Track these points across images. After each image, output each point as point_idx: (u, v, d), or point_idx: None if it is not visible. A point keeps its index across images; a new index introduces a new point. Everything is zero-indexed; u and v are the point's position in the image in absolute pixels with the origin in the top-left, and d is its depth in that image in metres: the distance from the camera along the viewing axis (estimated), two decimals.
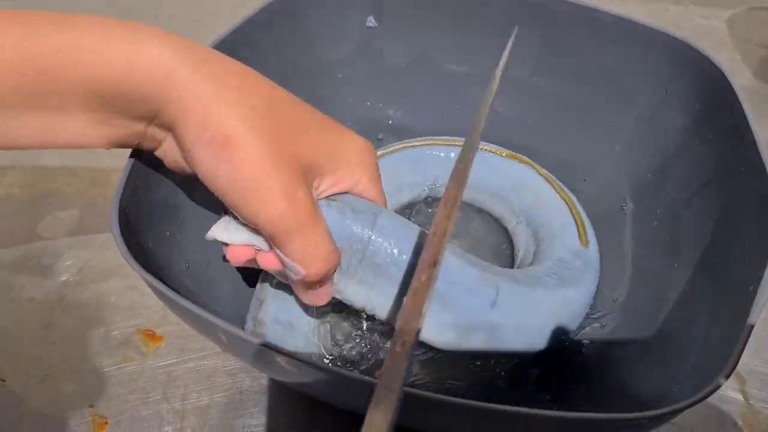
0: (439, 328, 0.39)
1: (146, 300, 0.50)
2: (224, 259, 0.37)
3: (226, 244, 0.36)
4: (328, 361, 0.43)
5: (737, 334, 0.31)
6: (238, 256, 0.36)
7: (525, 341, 0.42)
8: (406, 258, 0.37)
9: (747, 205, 0.37)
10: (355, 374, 0.29)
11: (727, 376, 0.30)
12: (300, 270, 0.34)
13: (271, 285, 0.44)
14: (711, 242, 0.40)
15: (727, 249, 0.38)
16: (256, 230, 0.34)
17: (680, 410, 0.29)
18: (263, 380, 0.45)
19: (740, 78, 0.73)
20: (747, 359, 0.47)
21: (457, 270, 0.39)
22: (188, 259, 0.40)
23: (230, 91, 0.30)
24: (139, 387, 0.45)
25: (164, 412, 0.44)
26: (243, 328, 0.43)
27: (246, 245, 0.35)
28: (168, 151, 0.33)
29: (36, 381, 0.45)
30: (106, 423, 0.43)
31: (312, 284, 0.36)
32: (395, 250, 0.37)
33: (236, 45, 0.42)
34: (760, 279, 0.32)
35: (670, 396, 0.35)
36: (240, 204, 0.31)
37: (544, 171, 0.51)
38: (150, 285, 0.31)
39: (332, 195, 0.37)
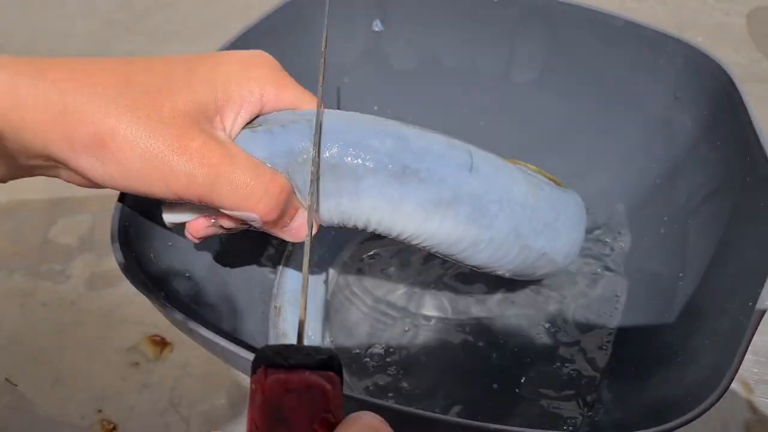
0: (423, 211, 0.35)
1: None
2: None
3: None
4: None
5: (739, 337, 0.31)
6: (197, 230, 0.34)
7: (513, 222, 0.37)
8: (358, 148, 0.33)
9: (753, 213, 0.37)
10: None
11: (730, 381, 0.30)
12: (251, 215, 0.32)
13: (286, 291, 0.45)
14: (718, 250, 0.40)
15: (732, 257, 0.38)
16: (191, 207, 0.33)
17: (688, 421, 0.29)
18: None
19: (761, 74, 0.72)
20: (757, 369, 0.46)
21: (421, 139, 0.35)
22: (191, 268, 0.40)
23: (78, 89, 0.29)
24: (147, 392, 0.46)
25: (171, 418, 0.44)
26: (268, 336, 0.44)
27: (197, 218, 0.34)
28: (69, 176, 0.32)
29: (47, 385, 0.46)
30: (114, 428, 0.44)
31: (278, 221, 0.33)
32: (341, 143, 0.33)
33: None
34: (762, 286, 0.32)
35: (675, 405, 0.35)
36: (150, 189, 0.30)
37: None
38: (150, 299, 0.32)
39: (251, 122, 0.34)
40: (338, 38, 0.49)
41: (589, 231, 0.50)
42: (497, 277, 0.42)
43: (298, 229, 0.34)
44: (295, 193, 0.33)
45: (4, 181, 0.31)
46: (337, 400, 0.22)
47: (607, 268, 0.49)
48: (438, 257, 0.43)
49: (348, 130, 0.33)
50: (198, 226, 0.34)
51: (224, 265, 0.44)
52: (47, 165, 0.31)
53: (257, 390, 0.22)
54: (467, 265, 0.39)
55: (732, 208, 0.39)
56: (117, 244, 0.33)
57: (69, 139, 0.28)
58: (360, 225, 0.35)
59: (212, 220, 0.34)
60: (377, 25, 0.51)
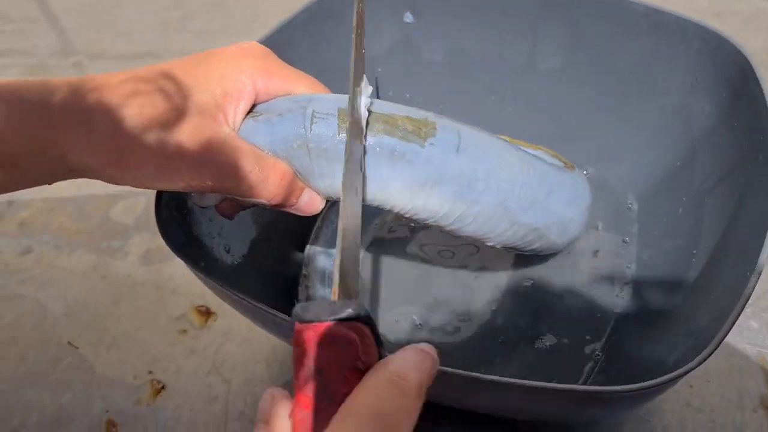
0: (409, 191, 0.37)
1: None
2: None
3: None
4: None
5: (736, 298, 0.32)
6: (224, 210, 0.39)
7: (500, 198, 0.39)
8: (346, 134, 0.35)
9: (764, 189, 0.38)
10: None
11: (724, 335, 0.31)
12: (260, 201, 0.35)
13: (314, 259, 0.48)
14: (729, 224, 0.41)
15: (740, 228, 0.39)
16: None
17: (680, 376, 0.31)
18: None
19: None
20: None
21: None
22: (229, 242, 0.44)
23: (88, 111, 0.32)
24: (193, 356, 0.50)
25: (213, 379, 0.48)
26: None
27: (222, 201, 0.38)
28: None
29: (104, 349, 0.51)
30: (163, 387, 0.48)
31: (285, 202, 0.36)
32: (333, 130, 0.35)
33: (277, 45, 0.45)
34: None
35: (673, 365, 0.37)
36: (169, 186, 0.34)
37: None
38: (193, 271, 0.36)
39: (252, 110, 0.36)
40: (371, 30, 0.52)
41: (607, 211, 0.52)
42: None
43: (307, 206, 0.37)
44: (296, 175, 0.36)
45: (49, 183, 0.36)
46: (368, 348, 0.24)
47: (624, 243, 0.51)
48: None
49: (341, 115, 0.35)
50: (223, 207, 0.38)
51: (260, 238, 0.48)
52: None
53: (294, 344, 0.24)
54: (458, 236, 0.41)
55: (745, 185, 0.41)
56: (162, 222, 0.37)
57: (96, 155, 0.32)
58: (371, 204, 0.37)
59: (233, 201, 0.37)
60: (408, 17, 0.54)
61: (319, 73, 0.38)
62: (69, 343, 0.51)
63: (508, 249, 0.44)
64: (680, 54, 0.47)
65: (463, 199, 0.38)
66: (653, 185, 0.51)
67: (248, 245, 0.46)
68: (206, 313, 0.52)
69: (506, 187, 0.39)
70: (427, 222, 0.39)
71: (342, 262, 0.28)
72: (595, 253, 0.51)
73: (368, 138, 0.35)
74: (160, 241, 0.58)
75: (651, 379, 0.31)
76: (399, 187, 0.36)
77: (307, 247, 0.51)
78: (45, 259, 0.58)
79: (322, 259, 0.49)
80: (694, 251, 0.45)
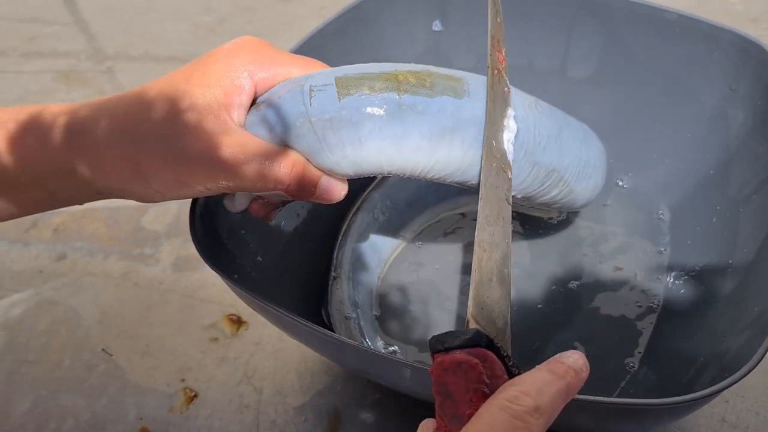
0: (428, 142, 0.36)
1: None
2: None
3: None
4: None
5: None
6: (258, 212, 0.39)
7: (519, 139, 0.38)
8: (351, 98, 0.35)
9: None
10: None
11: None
12: (280, 192, 0.35)
13: (342, 262, 0.48)
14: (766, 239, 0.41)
15: None
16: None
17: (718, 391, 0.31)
18: (331, 364, 0.49)
19: None
20: None
21: (413, 75, 0.36)
22: (260, 252, 0.44)
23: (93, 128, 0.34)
24: (224, 365, 0.50)
25: (245, 388, 0.48)
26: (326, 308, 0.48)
27: (251, 202, 0.38)
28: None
29: (138, 356, 0.51)
30: (196, 395, 0.49)
31: (303, 192, 0.36)
32: (332, 98, 0.35)
33: (308, 53, 0.46)
34: None
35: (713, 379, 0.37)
36: (189, 193, 0.35)
37: None
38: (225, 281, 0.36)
39: (255, 102, 0.36)
40: (401, 38, 0.52)
41: (639, 221, 0.52)
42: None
43: (327, 192, 0.36)
44: (309, 161, 0.36)
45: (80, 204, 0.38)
46: (493, 371, 0.26)
47: (659, 253, 0.51)
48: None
49: (334, 87, 0.35)
50: (255, 210, 0.38)
51: (290, 247, 0.48)
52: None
53: (432, 374, 0.26)
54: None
55: None
56: (194, 232, 0.38)
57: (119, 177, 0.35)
58: (373, 170, 0.36)
59: (263, 201, 0.38)
60: (437, 26, 0.54)
61: None
62: (103, 350, 0.52)
63: (529, 202, 0.43)
64: (715, 61, 0.47)
65: (477, 144, 0.37)
66: (686, 194, 0.51)
67: (279, 255, 0.47)
68: (237, 321, 0.53)
69: (521, 126, 0.38)
70: (451, 180, 0.38)
71: (478, 291, 0.30)
72: (630, 263, 0.51)
73: (372, 98, 0.35)
74: (191, 249, 0.58)
75: (685, 393, 0.31)
76: (416, 141, 0.35)
77: (336, 251, 0.51)
78: (78, 266, 0.59)
79: (350, 261, 0.50)
80: (730, 261, 0.44)
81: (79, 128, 0.34)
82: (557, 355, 0.28)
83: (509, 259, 0.32)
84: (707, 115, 0.48)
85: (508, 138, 0.37)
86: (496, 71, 0.39)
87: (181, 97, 0.34)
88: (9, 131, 0.35)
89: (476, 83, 0.38)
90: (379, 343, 0.47)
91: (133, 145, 0.33)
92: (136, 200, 0.36)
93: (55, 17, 0.93)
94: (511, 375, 0.26)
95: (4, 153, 0.35)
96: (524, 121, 0.38)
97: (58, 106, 0.35)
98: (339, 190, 0.37)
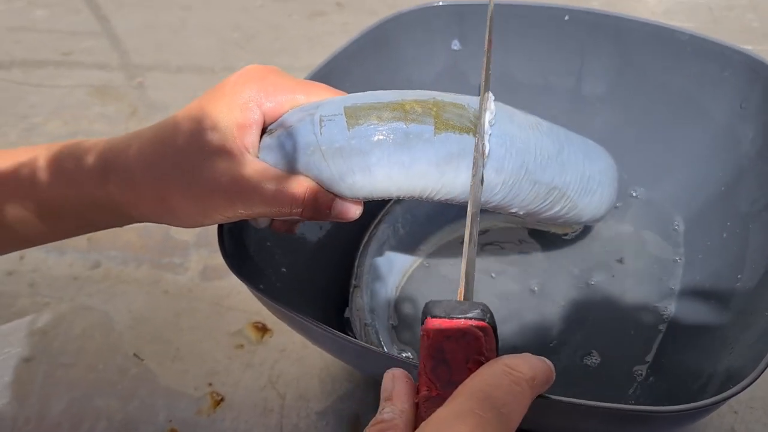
0: (436, 168, 0.37)
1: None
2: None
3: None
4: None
5: None
6: (279, 229, 0.42)
7: (520, 160, 0.39)
8: (359, 127, 0.36)
9: None
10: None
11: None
12: (295, 217, 0.37)
13: (363, 272, 0.50)
14: None
15: None
16: None
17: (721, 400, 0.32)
18: (352, 371, 0.51)
19: None
20: None
21: (419, 105, 0.37)
22: (285, 263, 0.46)
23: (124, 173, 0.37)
24: (250, 370, 0.52)
25: (269, 393, 0.50)
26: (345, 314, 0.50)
27: (273, 220, 0.40)
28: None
29: (167, 361, 0.54)
30: (222, 399, 0.51)
31: (318, 214, 0.37)
32: (342, 128, 0.36)
33: (329, 75, 0.48)
34: None
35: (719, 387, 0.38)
36: (211, 222, 0.38)
37: None
38: (251, 290, 0.38)
39: (267, 129, 0.38)
40: (421, 58, 0.54)
41: (655, 231, 0.53)
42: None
43: (342, 214, 0.38)
44: (322, 186, 0.37)
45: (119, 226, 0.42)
46: (490, 345, 0.27)
47: (670, 266, 0.52)
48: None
49: (348, 113, 0.36)
50: (277, 227, 0.41)
51: (313, 258, 0.50)
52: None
53: (424, 336, 0.27)
54: (485, 209, 0.41)
55: None
56: (223, 245, 0.40)
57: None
58: (383, 195, 0.38)
59: (282, 221, 0.40)
60: (455, 45, 0.55)
61: None
62: (135, 354, 0.54)
63: (532, 218, 0.44)
64: (725, 80, 0.48)
65: (488, 168, 0.38)
66: (698, 208, 0.52)
67: (303, 265, 0.49)
68: (262, 329, 0.55)
69: (523, 148, 0.40)
70: (457, 201, 0.39)
71: (467, 267, 0.31)
72: (644, 272, 0.52)
73: (380, 127, 0.36)
74: (218, 258, 0.61)
75: (694, 401, 0.32)
76: (423, 167, 0.37)
77: (357, 261, 0.53)
78: (112, 273, 0.62)
79: (370, 271, 0.51)
80: (739, 276, 0.45)
81: (111, 167, 0.37)
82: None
83: (477, 239, 0.34)
84: (718, 132, 0.49)
85: (488, 119, 0.38)
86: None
87: (196, 134, 0.36)
88: (51, 167, 0.38)
89: (477, 107, 0.39)
90: (394, 350, 0.49)
91: (160, 183, 0.36)
92: (169, 225, 0.39)
93: (90, 33, 0.97)
94: (497, 348, 0.28)
95: (48, 188, 0.38)
96: (525, 142, 0.40)
97: (91, 141, 0.39)
98: (354, 211, 0.38)
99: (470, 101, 0.39)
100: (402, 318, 0.52)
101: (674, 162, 0.53)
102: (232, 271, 0.40)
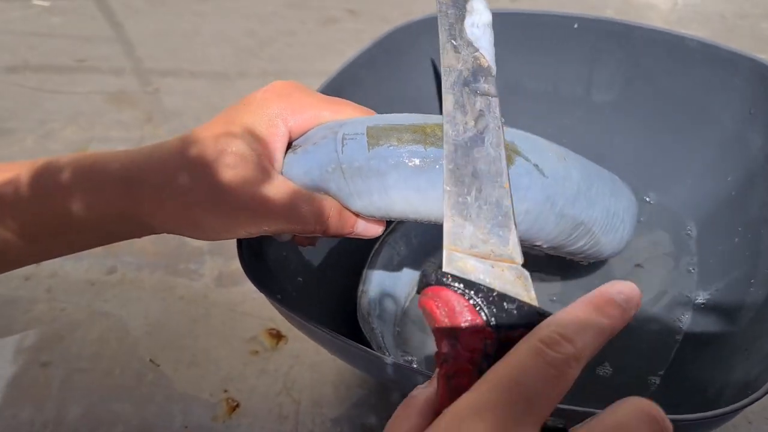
0: (412, 213, 0.37)
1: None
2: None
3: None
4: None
5: None
6: (301, 242, 0.43)
7: (546, 193, 0.38)
8: (379, 149, 0.36)
9: None
10: None
11: None
12: (318, 234, 0.38)
13: (371, 279, 0.50)
14: None
15: None
16: None
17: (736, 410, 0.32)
18: (366, 378, 0.51)
19: None
20: None
21: (439, 129, 0.37)
22: (300, 273, 0.47)
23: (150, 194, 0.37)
24: (264, 377, 0.53)
25: (284, 399, 0.51)
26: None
27: (296, 236, 0.41)
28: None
29: (183, 367, 0.54)
30: (237, 405, 0.51)
31: (341, 232, 0.38)
32: (362, 148, 0.36)
33: (342, 84, 0.48)
34: None
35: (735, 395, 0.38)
36: (233, 237, 0.38)
37: None
38: (270, 300, 0.39)
39: (291, 145, 0.39)
40: (429, 67, 0.55)
41: (667, 237, 0.53)
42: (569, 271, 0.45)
43: (365, 231, 0.39)
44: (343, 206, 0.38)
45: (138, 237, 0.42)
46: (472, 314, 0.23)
47: (684, 272, 0.52)
48: None
49: (369, 133, 0.36)
50: (298, 240, 0.42)
51: (328, 268, 0.51)
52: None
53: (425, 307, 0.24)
54: None
55: None
56: (242, 255, 0.40)
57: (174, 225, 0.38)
58: (399, 217, 0.38)
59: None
60: None
61: (380, 110, 0.40)
62: (151, 360, 0.55)
63: (556, 251, 0.43)
64: (735, 86, 0.48)
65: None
66: (710, 213, 0.52)
67: (317, 274, 0.49)
68: (277, 335, 0.55)
69: (550, 181, 0.39)
70: None
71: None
72: (658, 278, 0.52)
73: (399, 149, 0.36)
74: (232, 265, 0.62)
75: (708, 410, 0.32)
76: (439, 193, 0.35)
77: (367, 266, 0.53)
78: (128, 279, 0.63)
79: (376, 277, 0.52)
80: (752, 281, 0.45)
81: (135, 179, 0.37)
82: (604, 285, 0.24)
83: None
84: (727, 138, 0.50)
85: (470, 23, 0.36)
86: None
87: (223, 150, 0.36)
88: (74, 180, 0.38)
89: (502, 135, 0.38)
90: (399, 355, 0.49)
91: (184, 197, 0.36)
92: (191, 238, 0.39)
93: (105, 40, 0.98)
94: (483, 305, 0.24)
95: (70, 201, 0.38)
96: (553, 174, 0.39)
97: (113, 154, 0.39)
98: (376, 229, 0.39)
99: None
100: (407, 326, 0.52)
101: (685, 168, 0.53)
102: (252, 282, 0.40)
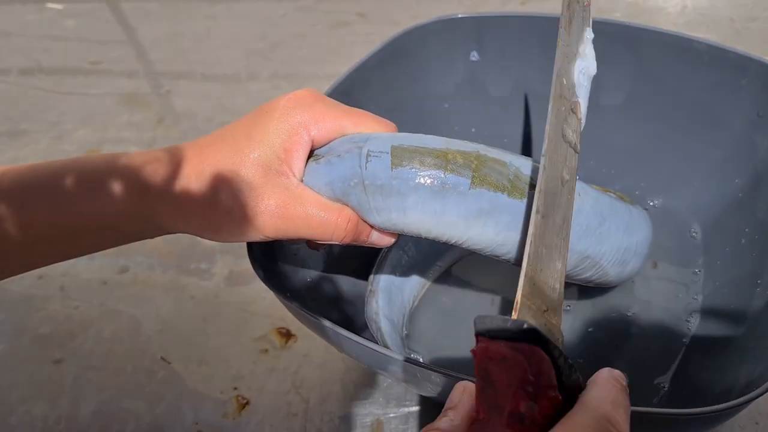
0: (464, 221, 0.38)
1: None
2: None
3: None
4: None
5: None
6: (314, 247, 0.43)
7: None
8: (402, 169, 0.37)
9: None
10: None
11: None
12: (334, 242, 0.38)
13: (380, 280, 0.51)
14: None
15: None
16: None
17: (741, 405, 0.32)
18: (375, 376, 0.52)
19: None
20: None
21: (460, 156, 0.38)
22: (310, 272, 0.47)
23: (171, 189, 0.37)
24: (274, 375, 0.53)
25: (293, 398, 0.52)
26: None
27: (309, 241, 0.41)
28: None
29: (194, 365, 0.55)
30: (247, 403, 0.52)
31: (355, 240, 0.39)
32: (386, 167, 0.37)
33: (351, 86, 0.49)
34: None
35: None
36: (250, 239, 0.38)
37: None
38: (280, 298, 0.39)
39: (313, 154, 0.39)
40: (440, 68, 0.55)
41: (672, 240, 0.54)
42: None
43: (379, 241, 0.41)
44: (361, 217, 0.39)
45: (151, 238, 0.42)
46: (539, 370, 0.24)
47: (690, 275, 0.52)
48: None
49: (393, 152, 0.37)
50: (312, 244, 0.43)
51: (337, 268, 0.51)
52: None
53: (473, 354, 0.25)
54: (513, 265, 0.41)
55: None
56: (252, 254, 0.41)
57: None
58: (413, 234, 0.39)
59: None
60: (474, 56, 0.56)
61: (389, 112, 0.41)
62: (162, 358, 0.56)
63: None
64: (743, 88, 0.49)
65: (517, 230, 0.38)
66: (716, 215, 0.52)
67: (326, 273, 0.50)
68: (287, 334, 0.56)
69: None
70: (483, 253, 0.40)
71: (530, 279, 0.28)
72: (663, 282, 0.52)
73: (421, 172, 0.37)
74: (243, 265, 0.63)
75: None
76: (453, 219, 0.38)
77: (376, 266, 0.54)
78: (140, 278, 0.63)
79: (385, 278, 0.52)
80: (759, 281, 0.46)
81: (153, 182, 0.38)
82: (611, 370, 0.27)
83: (569, 227, 0.31)
84: (735, 140, 0.50)
85: (580, 68, 0.36)
86: None
87: (245, 155, 0.37)
88: (93, 181, 0.38)
89: (520, 165, 0.39)
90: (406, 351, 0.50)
91: (203, 201, 0.37)
92: (208, 239, 0.40)
93: (118, 43, 0.99)
94: (560, 373, 0.24)
95: (88, 201, 0.38)
96: None
97: (132, 155, 0.39)
98: (389, 240, 0.41)
99: (513, 159, 0.39)
100: (414, 328, 0.52)
101: (691, 170, 0.53)
102: (263, 281, 0.41)
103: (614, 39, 0.52)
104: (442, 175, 0.37)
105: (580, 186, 0.42)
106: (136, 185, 0.38)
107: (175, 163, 0.38)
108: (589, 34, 0.36)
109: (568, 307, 0.53)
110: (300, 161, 0.38)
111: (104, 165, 0.39)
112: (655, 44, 0.51)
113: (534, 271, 0.29)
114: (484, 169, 0.37)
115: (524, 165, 0.39)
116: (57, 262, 0.42)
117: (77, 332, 0.58)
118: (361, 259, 0.53)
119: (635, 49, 0.52)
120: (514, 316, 0.26)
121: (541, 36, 0.54)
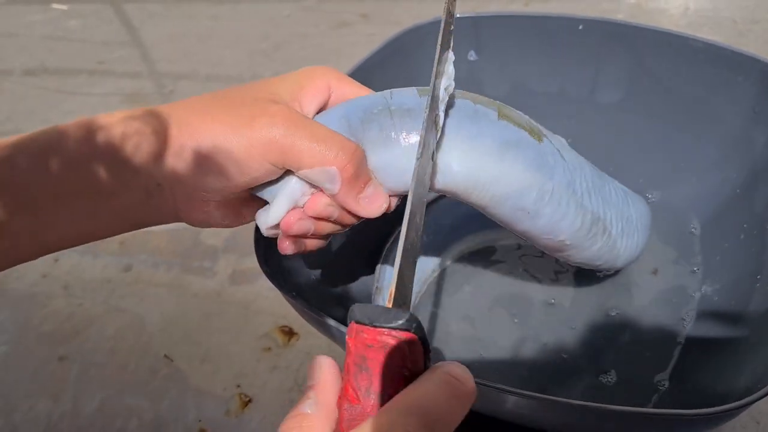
0: (497, 149, 0.37)
1: (285, 300, 0.59)
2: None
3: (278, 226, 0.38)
4: None
5: None
6: (290, 226, 0.37)
7: (569, 177, 0.40)
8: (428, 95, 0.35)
9: None
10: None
11: None
12: (330, 170, 0.35)
13: (385, 276, 0.51)
14: None
15: None
16: (281, 198, 0.36)
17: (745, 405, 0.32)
18: None
19: None
20: None
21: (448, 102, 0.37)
22: (314, 270, 0.48)
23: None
24: (276, 372, 0.54)
25: (295, 395, 0.52)
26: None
27: (288, 213, 0.37)
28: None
29: (197, 362, 0.56)
30: (250, 400, 0.52)
31: (354, 184, 0.36)
32: (414, 93, 0.37)
33: None
34: None
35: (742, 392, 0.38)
36: (247, 181, 0.35)
37: None
38: (285, 296, 0.40)
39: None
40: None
41: (671, 235, 0.54)
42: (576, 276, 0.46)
43: (373, 197, 0.37)
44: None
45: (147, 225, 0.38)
46: (415, 357, 0.25)
47: (688, 271, 0.52)
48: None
49: (420, 90, 0.37)
50: (291, 219, 0.37)
51: (340, 267, 0.52)
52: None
53: (348, 341, 0.26)
54: (534, 230, 0.40)
55: None
56: (258, 250, 0.41)
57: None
58: (435, 175, 0.37)
59: (301, 209, 0.37)
60: (472, 55, 0.57)
61: None
62: (165, 355, 0.56)
63: (578, 258, 0.44)
64: (739, 85, 0.49)
65: (540, 171, 0.38)
66: (714, 211, 0.53)
67: (330, 271, 0.50)
68: (289, 333, 0.57)
69: (570, 167, 0.40)
70: (511, 204, 0.38)
71: (401, 269, 0.29)
72: (662, 279, 0.53)
73: (451, 100, 0.36)
74: (246, 263, 0.63)
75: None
76: (488, 143, 0.36)
77: (380, 264, 0.54)
78: (143, 277, 0.64)
79: (390, 274, 0.53)
80: (759, 277, 0.46)
81: (154, 134, 0.35)
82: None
83: (419, 240, 0.31)
84: (732, 136, 0.50)
85: (444, 85, 0.36)
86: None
87: (259, 87, 0.36)
88: (122, 137, 0.35)
89: (530, 119, 0.40)
90: None
91: (212, 121, 0.35)
92: (206, 192, 0.36)
93: (122, 43, 1.00)
94: (426, 360, 0.26)
95: (112, 156, 0.35)
96: (571, 160, 0.40)
97: (135, 112, 0.36)
98: (381, 202, 0.37)
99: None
100: (422, 321, 0.53)
101: (689, 166, 0.53)
102: (269, 278, 0.41)
103: (610, 37, 0.52)
104: (472, 105, 0.37)
105: (574, 154, 0.42)
106: (133, 139, 0.34)
107: (184, 102, 0.36)
108: (451, 56, 0.38)
109: (552, 301, 0.53)
110: (312, 104, 0.37)
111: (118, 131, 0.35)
112: (650, 42, 0.51)
113: (403, 267, 0.29)
114: (505, 110, 0.38)
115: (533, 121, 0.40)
116: (78, 244, 0.38)
117: (81, 330, 0.59)
118: (366, 255, 0.54)
119: (631, 47, 0.52)
120: (389, 305, 0.27)
121: (538, 36, 0.54)
